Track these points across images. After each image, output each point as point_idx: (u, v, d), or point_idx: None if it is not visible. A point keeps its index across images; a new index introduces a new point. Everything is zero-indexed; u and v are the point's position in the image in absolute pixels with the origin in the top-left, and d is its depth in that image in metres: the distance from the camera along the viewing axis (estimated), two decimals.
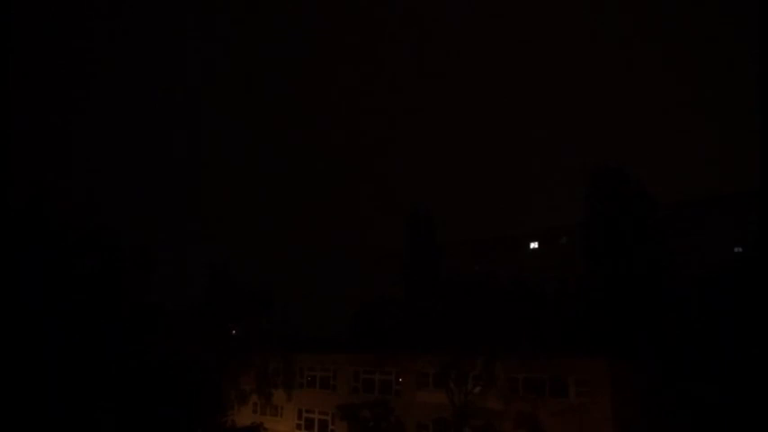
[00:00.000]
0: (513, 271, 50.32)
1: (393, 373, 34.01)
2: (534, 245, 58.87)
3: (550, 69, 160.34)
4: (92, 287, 20.27)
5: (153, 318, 23.86)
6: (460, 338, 26.55)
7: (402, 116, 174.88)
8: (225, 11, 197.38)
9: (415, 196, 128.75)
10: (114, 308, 20.60)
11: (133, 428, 19.49)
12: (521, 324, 25.53)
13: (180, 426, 23.02)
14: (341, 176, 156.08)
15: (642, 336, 25.93)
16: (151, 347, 22.50)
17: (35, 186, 19.91)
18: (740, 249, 42.50)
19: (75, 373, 17.84)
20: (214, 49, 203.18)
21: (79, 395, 17.91)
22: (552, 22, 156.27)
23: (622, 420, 24.66)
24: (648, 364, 25.67)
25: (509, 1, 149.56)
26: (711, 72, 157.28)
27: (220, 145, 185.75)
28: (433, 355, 28.63)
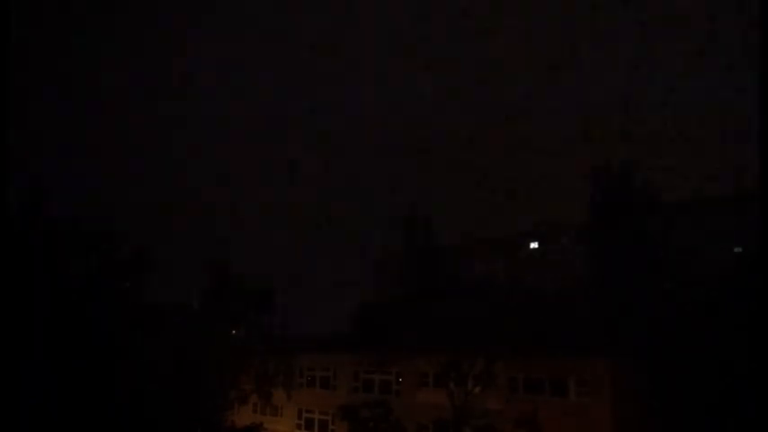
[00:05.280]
0: (513, 271, 50.33)
1: (393, 373, 34.01)
2: (534, 245, 58.86)
3: (551, 68, 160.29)
4: (91, 287, 20.27)
5: (152, 318, 23.86)
6: (460, 339, 26.55)
7: (402, 115, 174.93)
8: (229, 12, 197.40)
9: (414, 196, 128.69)
10: (113, 308, 20.59)
11: (133, 428, 19.48)
12: (521, 324, 25.54)
13: (180, 426, 23.03)
14: (341, 176, 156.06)
15: (642, 336, 25.94)
16: (151, 347, 22.49)
17: (35, 186, 19.91)
18: (740, 249, 42.46)
19: (74, 373, 17.83)
20: (216, 48, 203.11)
21: (78, 395, 17.89)
22: (552, 21, 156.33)
23: (622, 420, 24.66)
24: (648, 364, 25.68)
25: None
26: (711, 71, 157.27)
27: (220, 145, 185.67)
28: (433, 355, 28.64)
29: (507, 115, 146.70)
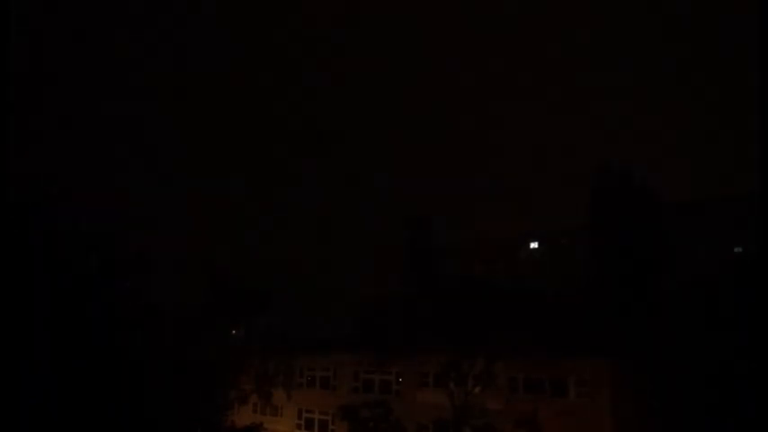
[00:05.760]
0: (513, 271, 50.35)
1: (393, 373, 34.03)
2: (534, 245, 58.87)
3: (551, 67, 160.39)
4: (91, 287, 20.26)
5: (152, 318, 23.86)
6: (460, 339, 26.57)
7: (402, 115, 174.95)
8: (232, 11, 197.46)
9: (414, 196, 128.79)
10: (113, 308, 20.59)
11: (133, 428, 19.48)
12: (521, 324, 25.55)
13: (180, 426, 23.02)
14: (340, 175, 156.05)
15: (642, 336, 25.97)
16: (150, 348, 22.49)
17: (35, 186, 19.89)
18: (740, 249, 42.51)
19: (74, 373, 17.83)
20: (219, 52, 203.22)
21: (78, 395, 17.89)
22: (551, 21, 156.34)
23: (622, 420, 24.68)
24: (648, 364, 25.70)
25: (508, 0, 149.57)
26: (711, 71, 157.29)
27: (220, 144, 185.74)
28: (433, 355, 28.66)
29: (507, 114, 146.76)
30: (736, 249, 43.11)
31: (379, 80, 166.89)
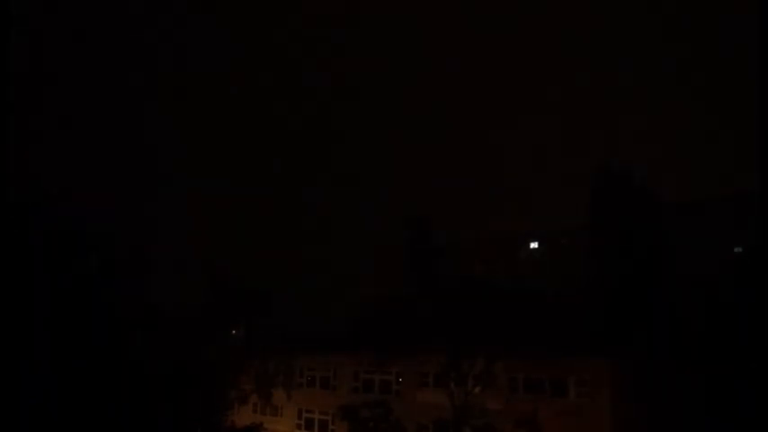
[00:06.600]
0: (513, 271, 50.39)
1: (393, 373, 34.05)
2: (534, 245, 58.85)
3: (551, 68, 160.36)
4: (91, 287, 20.28)
5: (152, 318, 23.89)
6: (460, 339, 26.57)
7: (402, 115, 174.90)
8: (229, 13, 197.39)
9: (414, 196, 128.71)
10: (113, 308, 20.61)
11: (133, 428, 19.49)
12: (521, 324, 25.55)
13: (180, 426, 23.05)
14: (340, 175, 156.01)
15: (642, 336, 25.98)
16: (150, 348, 22.51)
17: (33, 186, 19.91)
18: (740, 249, 42.50)
19: (74, 373, 17.83)
20: (219, 52, 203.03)
21: (78, 395, 17.90)
22: (551, 21, 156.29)
23: (622, 420, 24.69)
24: (648, 364, 25.71)
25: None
26: (711, 71, 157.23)
27: (220, 144, 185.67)
28: (433, 355, 28.67)
29: (507, 114, 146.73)
30: (736, 249, 43.09)
31: (379, 80, 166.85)
